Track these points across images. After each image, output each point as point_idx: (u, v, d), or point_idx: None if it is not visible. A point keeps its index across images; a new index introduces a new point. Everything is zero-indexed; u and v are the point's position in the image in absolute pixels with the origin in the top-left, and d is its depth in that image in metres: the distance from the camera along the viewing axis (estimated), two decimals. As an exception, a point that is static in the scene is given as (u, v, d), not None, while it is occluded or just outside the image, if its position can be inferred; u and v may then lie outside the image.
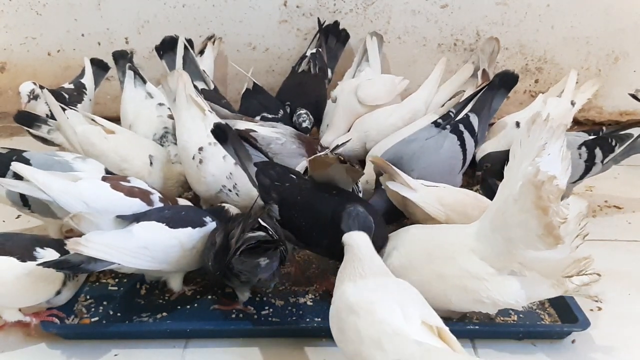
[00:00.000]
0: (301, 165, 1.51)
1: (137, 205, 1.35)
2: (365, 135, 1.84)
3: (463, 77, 1.99)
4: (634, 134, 1.60)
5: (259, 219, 1.16)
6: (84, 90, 1.94)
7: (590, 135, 1.64)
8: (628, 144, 1.60)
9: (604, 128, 1.70)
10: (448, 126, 1.57)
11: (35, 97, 1.76)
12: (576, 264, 1.08)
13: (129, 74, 1.85)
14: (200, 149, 1.51)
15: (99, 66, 2.02)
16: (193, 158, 1.51)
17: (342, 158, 1.23)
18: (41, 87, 1.77)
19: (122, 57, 1.91)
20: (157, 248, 1.20)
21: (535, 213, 1.02)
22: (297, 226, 1.22)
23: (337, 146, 1.70)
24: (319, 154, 1.51)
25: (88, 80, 1.97)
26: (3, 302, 1.19)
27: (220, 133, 1.37)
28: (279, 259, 1.18)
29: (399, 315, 0.95)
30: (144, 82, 1.85)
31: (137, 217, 1.24)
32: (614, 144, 1.59)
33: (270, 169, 1.34)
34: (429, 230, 1.26)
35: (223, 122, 1.45)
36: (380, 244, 1.26)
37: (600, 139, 1.60)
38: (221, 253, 1.16)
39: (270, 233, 1.15)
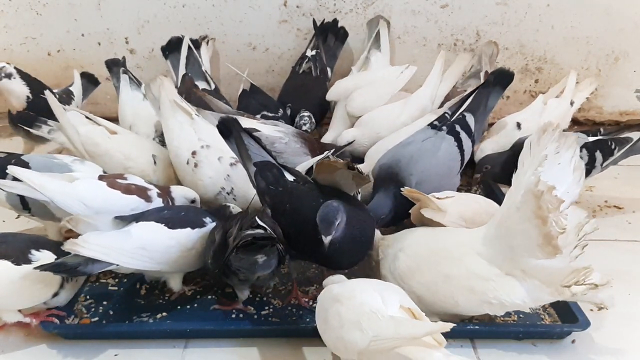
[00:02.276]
0: (303, 165, 1.50)
1: (134, 202, 1.35)
2: (377, 135, 1.83)
3: (462, 65, 1.99)
4: (633, 138, 1.61)
5: (257, 218, 1.16)
6: (72, 96, 1.93)
7: (588, 135, 1.64)
8: (627, 148, 1.60)
9: (601, 129, 1.71)
10: (444, 127, 1.56)
11: (9, 76, 1.76)
12: (575, 274, 1.08)
13: (124, 77, 1.86)
14: (193, 153, 1.51)
15: (90, 80, 2.02)
16: (187, 163, 1.51)
17: (350, 164, 1.22)
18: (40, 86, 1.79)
19: (115, 65, 1.92)
20: (155, 249, 1.20)
21: (535, 222, 1.03)
22: (285, 233, 1.21)
23: (342, 147, 1.69)
24: (326, 157, 1.49)
25: (76, 89, 1.96)
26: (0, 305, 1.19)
27: (224, 129, 1.37)
28: (277, 258, 1.18)
29: (378, 299, 1.00)
30: (139, 84, 1.86)
31: (135, 218, 1.24)
32: (613, 147, 1.59)
33: (267, 170, 1.33)
34: (435, 233, 1.26)
35: (231, 116, 1.43)
36: (365, 247, 1.25)
37: (600, 141, 1.60)
38: (219, 251, 1.16)
39: (268, 231, 1.15)
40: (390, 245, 1.28)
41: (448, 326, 0.91)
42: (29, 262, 1.16)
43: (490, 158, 1.66)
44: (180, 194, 1.45)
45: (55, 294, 1.21)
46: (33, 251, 1.18)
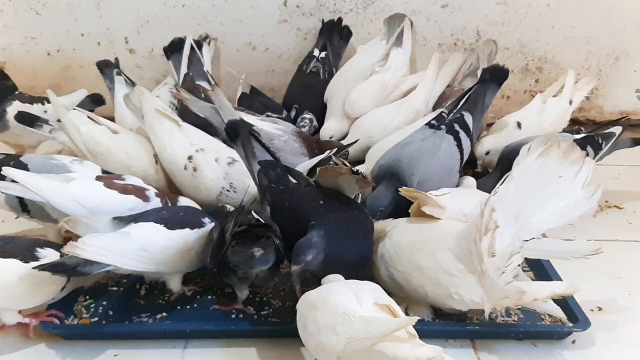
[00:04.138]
0: (304, 165, 1.50)
1: (132, 202, 1.35)
2: (370, 140, 1.85)
3: (455, 65, 2.00)
4: (616, 133, 1.65)
5: (253, 212, 1.16)
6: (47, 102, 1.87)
7: (572, 134, 1.66)
8: (612, 142, 1.64)
9: (582, 129, 1.73)
10: (443, 126, 1.56)
11: None
12: (507, 300, 1.11)
13: (119, 79, 1.85)
14: (190, 157, 1.51)
15: (93, 100, 1.95)
16: (185, 168, 1.51)
17: (354, 170, 1.23)
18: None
19: (107, 66, 1.90)
20: (154, 250, 1.20)
21: (474, 236, 1.08)
22: (282, 231, 1.21)
23: (345, 146, 1.68)
24: (327, 157, 1.49)
25: (67, 101, 1.86)
26: (8, 305, 1.19)
27: (232, 132, 1.36)
28: (275, 254, 1.18)
29: (352, 299, 1.00)
30: (134, 86, 1.82)
31: (134, 218, 1.24)
32: (600, 141, 1.62)
33: (271, 169, 1.33)
34: (418, 225, 1.27)
35: (237, 118, 1.43)
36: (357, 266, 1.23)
37: (588, 137, 1.62)
38: (217, 248, 1.16)
39: (262, 221, 1.15)
40: (384, 228, 1.29)
41: (413, 320, 0.93)
42: (36, 259, 1.17)
43: (482, 184, 1.66)
44: (186, 204, 1.45)
45: (62, 288, 1.22)
46: (38, 249, 1.19)
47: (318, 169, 1.29)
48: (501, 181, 1.16)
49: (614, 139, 1.64)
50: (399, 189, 1.30)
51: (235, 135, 1.37)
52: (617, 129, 1.66)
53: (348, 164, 1.41)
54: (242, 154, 1.38)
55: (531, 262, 1.40)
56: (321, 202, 1.22)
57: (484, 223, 1.07)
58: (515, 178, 1.15)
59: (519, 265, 1.14)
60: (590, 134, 1.66)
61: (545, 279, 1.33)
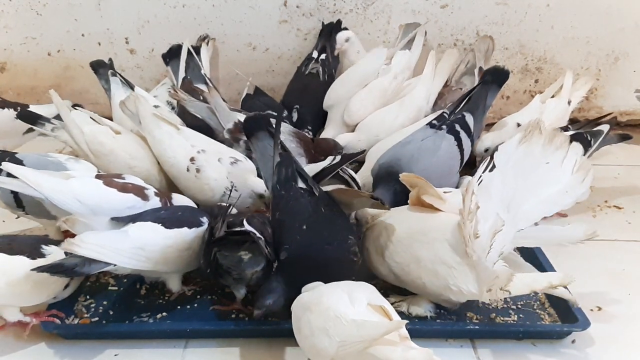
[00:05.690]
0: (308, 168, 1.49)
1: (131, 200, 1.35)
2: (376, 139, 1.85)
3: (450, 61, 2.02)
4: (604, 130, 1.67)
5: (245, 221, 1.17)
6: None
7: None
8: (601, 140, 1.66)
9: (569, 126, 1.74)
10: (444, 127, 1.56)
11: None
12: (496, 281, 1.11)
13: (114, 80, 1.84)
14: (192, 159, 1.51)
15: None
16: (187, 170, 1.51)
17: (374, 196, 1.24)
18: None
19: (101, 66, 1.89)
20: (152, 248, 1.20)
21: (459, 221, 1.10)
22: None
23: (349, 157, 1.66)
24: (331, 167, 1.48)
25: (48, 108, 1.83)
26: (14, 302, 1.19)
27: (248, 127, 1.34)
28: (265, 256, 1.18)
29: (345, 300, 1.00)
30: (132, 87, 1.82)
31: (132, 218, 1.24)
32: (589, 139, 1.63)
33: (284, 166, 1.31)
34: (415, 215, 1.27)
35: (236, 119, 1.42)
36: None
37: (577, 135, 1.63)
38: (207, 249, 1.17)
39: (250, 231, 1.15)
40: (379, 217, 1.29)
41: (402, 323, 0.94)
42: (42, 256, 1.17)
43: None
44: (181, 203, 1.45)
45: (66, 285, 1.22)
46: (44, 246, 1.19)
47: (337, 188, 1.28)
48: (482, 168, 1.16)
49: (602, 137, 1.66)
50: (399, 175, 1.29)
51: (253, 129, 1.34)
52: (604, 127, 1.68)
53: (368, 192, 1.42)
54: (262, 147, 1.34)
55: (526, 256, 1.40)
56: (304, 227, 1.21)
57: (466, 207, 1.07)
58: (499, 166, 1.15)
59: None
60: (579, 131, 1.67)
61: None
